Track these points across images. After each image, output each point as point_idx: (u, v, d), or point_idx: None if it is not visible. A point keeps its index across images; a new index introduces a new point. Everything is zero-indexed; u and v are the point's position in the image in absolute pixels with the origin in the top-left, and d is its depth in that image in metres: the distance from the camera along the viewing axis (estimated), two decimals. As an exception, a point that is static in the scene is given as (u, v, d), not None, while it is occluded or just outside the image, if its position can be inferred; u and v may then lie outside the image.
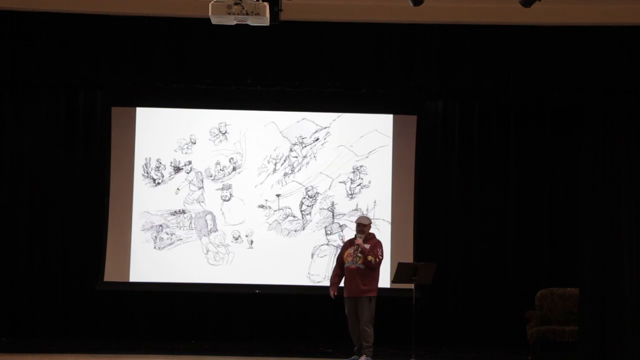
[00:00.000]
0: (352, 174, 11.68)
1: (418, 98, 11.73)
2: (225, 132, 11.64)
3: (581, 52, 9.63)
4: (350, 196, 11.65)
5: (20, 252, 11.58)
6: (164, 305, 11.65)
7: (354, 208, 11.58)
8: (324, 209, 11.61)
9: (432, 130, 11.92)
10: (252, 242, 11.52)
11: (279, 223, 11.58)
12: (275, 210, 11.57)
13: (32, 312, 11.56)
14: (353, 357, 9.80)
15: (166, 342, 11.18)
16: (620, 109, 9.87)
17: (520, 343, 11.02)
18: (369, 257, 9.63)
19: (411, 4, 8.65)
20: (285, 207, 11.60)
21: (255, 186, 11.60)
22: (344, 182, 11.67)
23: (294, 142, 11.68)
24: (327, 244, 11.55)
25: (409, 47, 9.79)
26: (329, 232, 11.58)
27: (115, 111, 11.70)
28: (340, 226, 11.56)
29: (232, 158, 11.61)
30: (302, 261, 11.53)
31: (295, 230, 11.59)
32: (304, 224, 11.59)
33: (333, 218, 11.59)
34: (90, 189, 11.70)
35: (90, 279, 11.58)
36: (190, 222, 11.55)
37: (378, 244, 9.78)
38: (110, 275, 11.50)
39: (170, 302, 11.64)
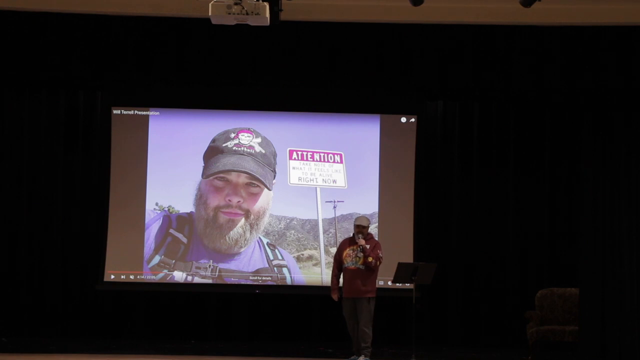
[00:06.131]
0: (351, 174, 11.68)
1: (418, 98, 11.75)
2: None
3: (581, 52, 9.64)
4: (349, 197, 11.64)
5: (20, 252, 11.57)
6: (164, 305, 11.65)
7: (354, 208, 11.58)
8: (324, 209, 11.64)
9: (432, 130, 11.92)
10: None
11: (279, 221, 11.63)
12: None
13: (32, 312, 11.57)
14: (352, 357, 9.81)
15: (166, 342, 11.18)
16: (620, 109, 9.88)
17: (520, 343, 11.02)
18: (370, 259, 9.64)
19: (411, 4, 8.65)
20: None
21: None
22: (343, 183, 11.67)
23: (291, 145, 11.71)
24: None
25: (409, 47, 9.79)
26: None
27: (115, 111, 11.71)
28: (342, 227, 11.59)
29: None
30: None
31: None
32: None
33: (334, 218, 11.60)
34: (90, 189, 11.71)
35: (90, 279, 11.59)
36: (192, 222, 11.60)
37: (378, 245, 9.79)
38: (110, 275, 11.51)
39: (170, 302, 11.64)
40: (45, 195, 11.67)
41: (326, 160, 11.73)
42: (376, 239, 10.11)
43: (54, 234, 11.65)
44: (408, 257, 11.27)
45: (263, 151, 11.64)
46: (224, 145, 11.65)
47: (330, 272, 10.14)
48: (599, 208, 9.88)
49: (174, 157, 11.70)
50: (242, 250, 11.57)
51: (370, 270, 9.71)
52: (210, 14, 8.00)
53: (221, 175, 11.60)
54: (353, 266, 9.73)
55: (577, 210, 10.67)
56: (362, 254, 9.68)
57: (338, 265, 9.89)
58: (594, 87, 9.78)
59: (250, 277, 11.53)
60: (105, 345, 10.93)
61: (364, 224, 9.82)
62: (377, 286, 9.86)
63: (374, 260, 9.67)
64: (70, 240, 11.66)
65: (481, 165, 11.85)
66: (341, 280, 9.90)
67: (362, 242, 9.70)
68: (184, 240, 11.60)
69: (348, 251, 9.79)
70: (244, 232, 11.53)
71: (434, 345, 11.35)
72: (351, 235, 10.08)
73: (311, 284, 11.57)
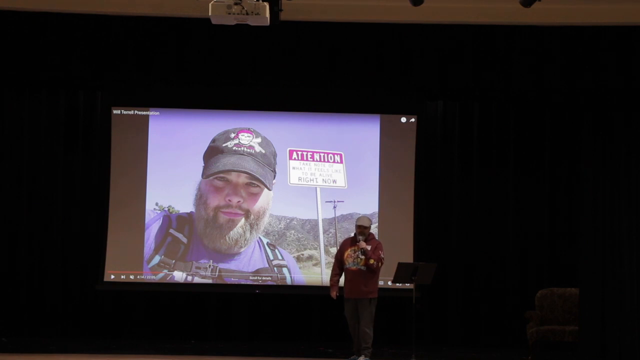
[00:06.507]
0: (351, 174, 11.68)
1: (418, 98, 11.75)
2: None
3: (581, 52, 9.64)
4: (349, 197, 11.65)
5: (20, 252, 11.57)
6: (164, 305, 11.65)
7: (354, 208, 11.59)
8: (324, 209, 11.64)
9: (432, 130, 11.92)
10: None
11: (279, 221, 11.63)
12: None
13: (32, 312, 11.57)
14: (352, 357, 9.81)
15: (166, 342, 11.18)
16: (620, 109, 9.88)
17: (520, 343, 11.02)
18: (371, 261, 9.63)
19: (411, 4, 8.66)
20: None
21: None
22: (343, 183, 11.68)
23: (291, 144, 11.72)
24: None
25: (409, 47, 9.80)
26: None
27: (115, 111, 11.71)
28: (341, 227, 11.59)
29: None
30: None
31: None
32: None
33: (334, 218, 11.61)
34: (90, 189, 11.71)
35: (90, 279, 11.59)
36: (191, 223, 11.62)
37: (379, 246, 9.78)
38: (110, 275, 11.51)
39: (170, 302, 11.64)
40: (45, 195, 11.67)
41: (326, 160, 11.74)
42: (377, 239, 10.10)
43: (54, 234, 11.65)
44: (408, 257, 11.27)
45: (263, 151, 11.65)
46: (224, 145, 11.66)
47: (330, 271, 10.11)
48: (599, 208, 9.88)
49: (174, 157, 11.70)
50: (242, 250, 11.58)
51: (371, 271, 9.71)
52: (210, 14, 8.00)
53: (221, 175, 11.61)
54: (354, 267, 9.73)
55: (577, 210, 10.66)
56: (363, 256, 9.67)
57: (339, 264, 9.88)
58: (594, 87, 9.78)
59: (250, 277, 11.53)
60: (105, 345, 10.93)
61: (366, 224, 9.81)
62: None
63: (375, 262, 9.66)
64: (70, 240, 11.66)
65: (481, 165, 11.85)
66: (342, 280, 9.89)
67: (362, 244, 9.68)
68: (184, 240, 11.60)
69: (349, 252, 9.78)
70: (244, 232, 11.54)
71: (434, 345, 11.35)
72: (352, 235, 10.08)
73: (311, 284, 11.57)
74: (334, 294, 9.84)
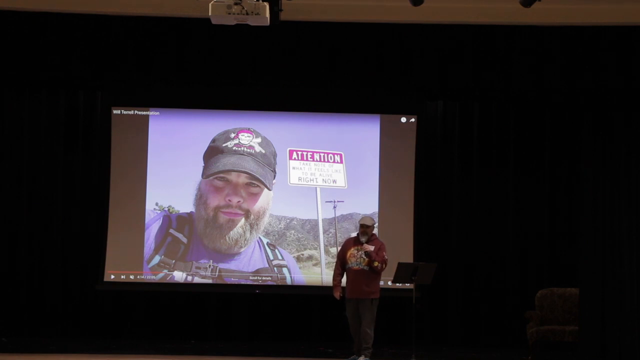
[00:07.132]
0: (351, 174, 11.68)
1: (418, 98, 11.75)
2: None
3: (581, 52, 9.64)
4: (349, 197, 11.65)
5: (20, 252, 11.57)
6: (164, 305, 11.66)
7: (354, 208, 11.59)
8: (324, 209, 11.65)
9: (432, 130, 11.92)
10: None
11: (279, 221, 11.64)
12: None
13: (32, 312, 11.57)
14: (352, 357, 9.81)
15: (166, 342, 11.18)
16: (620, 109, 9.88)
17: (520, 343, 11.02)
18: (376, 263, 9.62)
19: (411, 4, 8.66)
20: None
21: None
22: (343, 183, 11.68)
23: (291, 144, 11.72)
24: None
25: (409, 47, 9.80)
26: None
27: (115, 111, 11.71)
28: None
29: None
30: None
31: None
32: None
33: (334, 218, 11.62)
34: (90, 189, 11.71)
35: (90, 279, 11.59)
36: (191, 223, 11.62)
37: (382, 247, 9.76)
38: (110, 275, 11.51)
39: (170, 302, 11.64)
40: (45, 195, 11.67)
41: (326, 160, 11.74)
42: (379, 239, 10.08)
43: (54, 234, 11.65)
44: (408, 257, 11.27)
45: (263, 151, 11.65)
46: (224, 145, 11.66)
47: (330, 271, 10.11)
48: (599, 208, 9.88)
49: (174, 157, 11.70)
50: (242, 250, 11.58)
51: (374, 272, 9.70)
52: (210, 14, 8.00)
53: (221, 175, 11.61)
54: (357, 267, 9.72)
55: (577, 210, 10.67)
56: (367, 257, 9.65)
57: (341, 263, 9.85)
58: (594, 87, 9.79)
59: (250, 277, 11.54)
60: (105, 345, 10.93)
61: (368, 223, 9.81)
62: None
63: (380, 265, 9.66)
64: (70, 240, 11.66)
65: (481, 165, 11.85)
66: (344, 280, 9.88)
67: (367, 247, 9.65)
68: (184, 240, 11.60)
69: (352, 251, 9.77)
70: (244, 232, 11.54)
71: (434, 345, 11.36)
72: (352, 235, 10.07)
73: (311, 284, 11.57)
74: (337, 294, 9.80)
